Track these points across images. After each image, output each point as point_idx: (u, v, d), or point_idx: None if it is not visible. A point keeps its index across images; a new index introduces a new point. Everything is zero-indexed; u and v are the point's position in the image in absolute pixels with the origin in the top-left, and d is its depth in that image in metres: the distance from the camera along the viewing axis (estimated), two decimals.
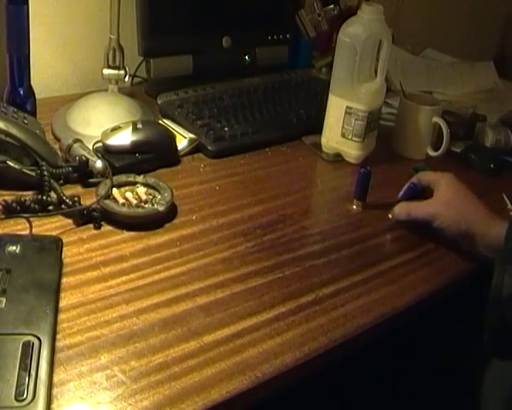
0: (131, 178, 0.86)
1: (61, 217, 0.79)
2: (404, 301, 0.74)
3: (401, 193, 0.91)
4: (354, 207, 0.91)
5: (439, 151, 1.04)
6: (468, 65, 1.46)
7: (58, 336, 0.61)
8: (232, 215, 0.85)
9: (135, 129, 0.92)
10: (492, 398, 0.83)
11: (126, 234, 0.78)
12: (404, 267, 0.80)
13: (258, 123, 1.07)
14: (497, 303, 0.72)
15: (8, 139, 0.82)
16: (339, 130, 1.01)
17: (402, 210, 0.88)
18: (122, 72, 1.06)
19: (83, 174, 0.85)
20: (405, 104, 1.08)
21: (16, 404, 0.51)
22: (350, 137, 1.01)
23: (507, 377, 0.83)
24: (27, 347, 0.56)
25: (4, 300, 0.60)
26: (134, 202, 0.81)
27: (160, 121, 1.03)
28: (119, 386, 0.57)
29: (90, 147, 0.90)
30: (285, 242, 0.81)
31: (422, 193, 0.89)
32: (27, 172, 0.82)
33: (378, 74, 0.99)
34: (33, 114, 0.96)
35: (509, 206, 0.96)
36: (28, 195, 0.79)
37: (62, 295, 0.66)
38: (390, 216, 0.89)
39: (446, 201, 0.84)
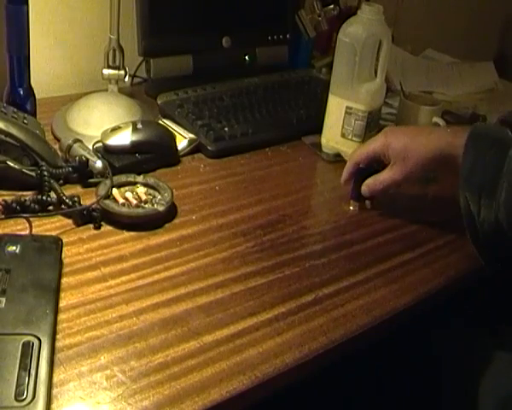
0: (131, 178, 0.86)
1: (60, 217, 0.79)
2: (404, 301, 0.74)
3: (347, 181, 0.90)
4: (351, 207, 0.91)
5: None
6: (468, 65, 1.46)
7: (58, 336, 0.61)
8: (232, 215, 0.85)
9: (135, 129, 0.92)
10: (488, 399, 0.83)
11: (126, 234, 0.78)
12: (404, 267, 0.80)
13: (258, 123, 1.07)
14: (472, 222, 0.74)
15: (8, 139, 0.82)
16: (339, 130, 1.01)
17: (368, 187, 0.87)
18: (122, 72, 1.06)
19: (83, 174, 0.85)
20: (405, 104, 1.08)
21: (16, 404, 0.51)
22: (350, 137, 1.01)
23: (503, 379, 0.83)
24: (27, 347, 0.56)
25: (4, 300, 0.60)
26: (134, 202, 0.81)
27: (160, 121, 1.03)
28: (119, 386, 0.57)
29: (90, 147, 0.90)
30: (285, 242, 0.81)
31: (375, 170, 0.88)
32: (27, 172, 0.82)
33: (378, 74, 0.99)
34: (33, 114, 0.96)
35: None
36: (28, 195, 0.79)
37: (62, 295, 0.66)
38: (351, 208, 0.90)
39: (403, 156, 0.82)
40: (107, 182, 0.83)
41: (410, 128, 0.89)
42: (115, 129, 0.92)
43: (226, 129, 1.03)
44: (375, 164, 0.88)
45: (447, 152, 0.80)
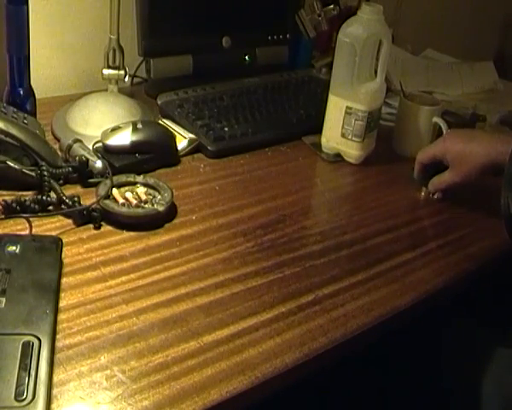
0: (131, 178, 0.86)
1: (60, 217, 0.79)
2: (404, 301, 0.74)
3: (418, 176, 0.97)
4: (422, 194, 0.97)
5: None
6: (468, 65, 1.46)
7: (58, 336, 0.61)
8: (232, 215, 0.85)
9: (135, 129, 0.92)
10: (491, 397, 0.83)
11: (126, 234, 0.78)
12: (404, 267, 0.80)
13: (258, 123, 1.07)
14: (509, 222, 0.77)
15: (8, 139, 0.82)
16: (339, 130, 1.01)
17: (434, 186, 0.95)
18: (122, 72, 1.06)
19: (83, 174, 0.85)
20: (405, 104, 1.08)
21: (16, 404, 0.51)
22: (350, 137, 1.01)
23: (506, 378, 0.83)
24: (27, 347, 0.56)
25: (4, 300, 0.60)
26: (134, 202, 0.81)
27: (160, 121, 1.03)
28: (118, 386, 0.57)
29: (90, 147, 0.90)
30: (285, 242, 0.81)
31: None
32: (27, 172, 0.82)
33: (378, 74, 0.99)
34: (33, 114, 0.96)
35: None
36: (28, 195, 0.79)
37: (62, 295, 0.66)
38: (423, 194, 0.97)
39: (459, 161, 0.90)
40: (107, 182, 0.83)
41: (466, 133, 0.96)
42: (115, 129, 0.92)
43: (226, 129, 1.03)
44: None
45: (495, 159, 0.86)
